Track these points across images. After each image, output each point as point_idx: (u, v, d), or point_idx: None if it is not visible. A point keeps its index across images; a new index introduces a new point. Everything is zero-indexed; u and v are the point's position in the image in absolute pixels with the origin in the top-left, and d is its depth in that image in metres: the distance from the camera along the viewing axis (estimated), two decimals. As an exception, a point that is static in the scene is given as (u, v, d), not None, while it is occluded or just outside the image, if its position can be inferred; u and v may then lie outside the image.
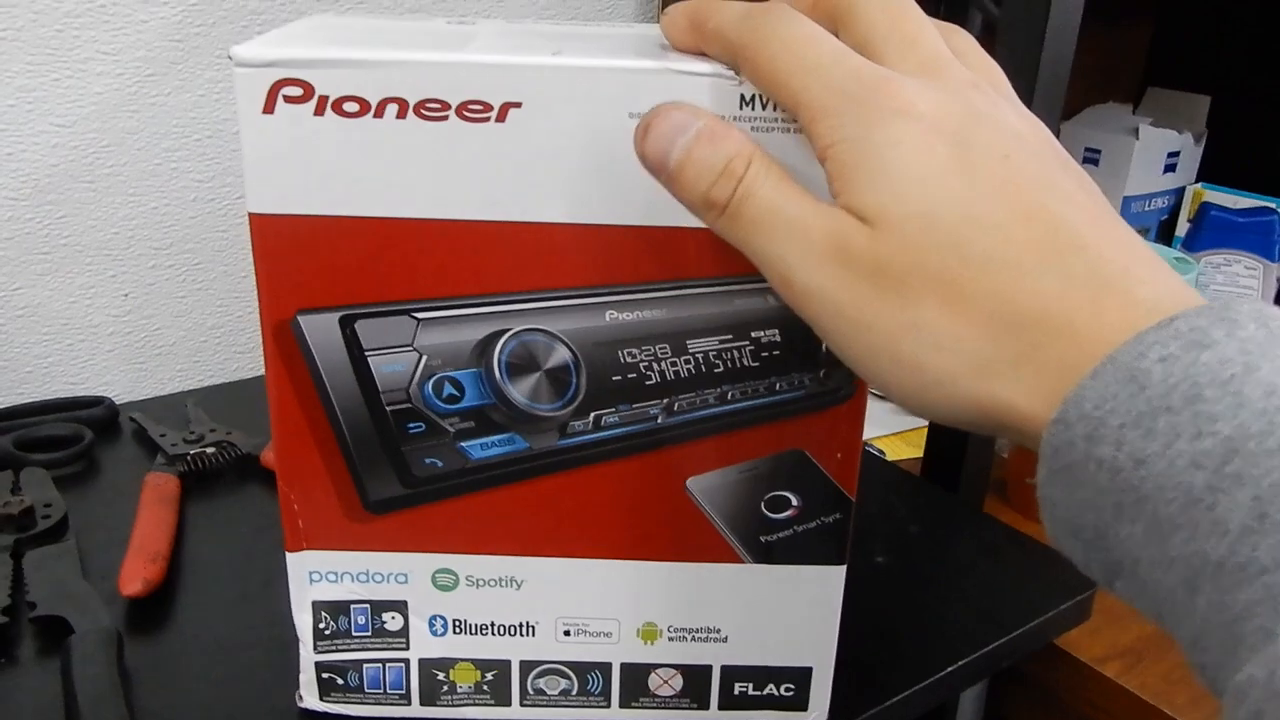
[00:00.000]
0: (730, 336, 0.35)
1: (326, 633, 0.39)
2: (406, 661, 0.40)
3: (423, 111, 0.32)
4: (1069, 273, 0.25)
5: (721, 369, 0.36)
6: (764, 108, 0.31)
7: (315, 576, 0.39)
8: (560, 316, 0.35)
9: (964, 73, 0.28)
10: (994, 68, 0.30)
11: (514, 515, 0.37)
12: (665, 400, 0.36)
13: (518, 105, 0.32)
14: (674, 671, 0.40)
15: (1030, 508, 0.72)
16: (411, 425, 0.36)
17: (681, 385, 0.36)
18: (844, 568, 0.39)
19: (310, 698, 0.41)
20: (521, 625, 0.39)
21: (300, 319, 0.35)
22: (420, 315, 0.35)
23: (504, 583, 0.39)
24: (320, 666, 0.40)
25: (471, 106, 0.32)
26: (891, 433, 0.81)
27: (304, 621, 0.39)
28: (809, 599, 0.39)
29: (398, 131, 0.32)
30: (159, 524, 0.53)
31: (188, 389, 0.74)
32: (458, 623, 0.39)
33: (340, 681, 0.40)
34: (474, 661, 0.40)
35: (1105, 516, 0.23)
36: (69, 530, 0.53)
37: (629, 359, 0.36)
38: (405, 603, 0.39)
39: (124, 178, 0.68)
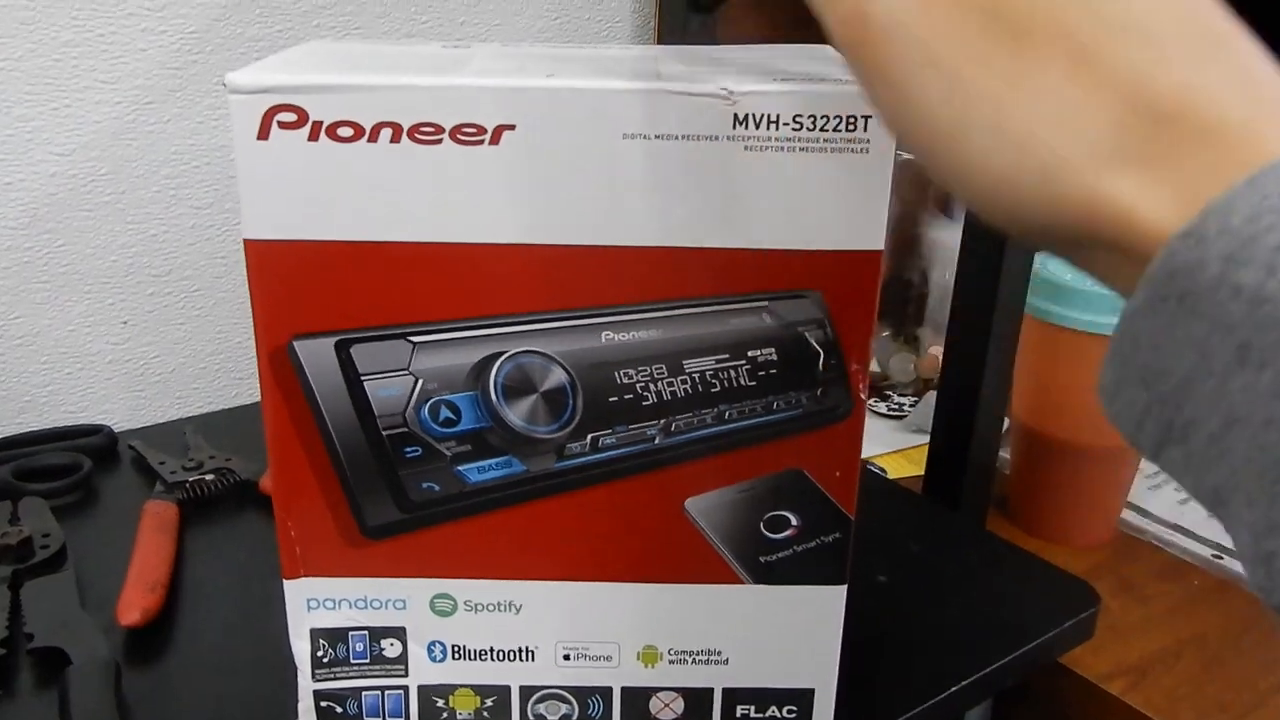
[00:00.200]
0: (727, 356, 0.35)
1: (325, 660, 0.39)
2: (406, 688, 0.40)
3: (417, 135, 0.32)
4: (1219, 64, 0.20)
5: (718, 389, 0.36)
6: (758, 127, 0.32)
7: (313, 603, 0.38)
8: (556, 338, 0.35)
9: None
10: None
11: (512, 538, 0.37)
12: (662, 421, 0.36)
13: (511, 127, 0.32)
14: (675, 695, 0.40)
15: (1034, 524, 0.72)
16: (408, 449, 0.36)
17: (679, 405, 0.36)
18: (844, 587, 0.39)
19: (309, 726, 0.40)
20: (521, 650, 0.39)
21: (296, 344, 0.35)
22: (416, 339, 0.35)
23: (503, 607, 0.38)
24: (319, 695, 0.40)
25: (465, 129, 0.32)
26: (892, 450, 0.81)
27: (302, 649, 0.39)
28: (810, 619, 0.39)
29: (392, 156, 0.32)
30: (157, 553, 0.53)
31: (187, 416, 0.74)
32: (456, 648, 0.39)
33: (339, 710, 0.40)
34: (473, 687, 0.40)
35: (1215, 362, 0.19)
36: (67, 560, 0.53)
37: (626, 380, 0.35)
38: (404, 629, 0.39)
39: (122, 205, 0.68)
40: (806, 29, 0.28)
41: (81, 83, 0.64)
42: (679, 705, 0.40)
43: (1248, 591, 0.63)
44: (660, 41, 0.84)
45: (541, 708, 0.40)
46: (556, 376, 0.35)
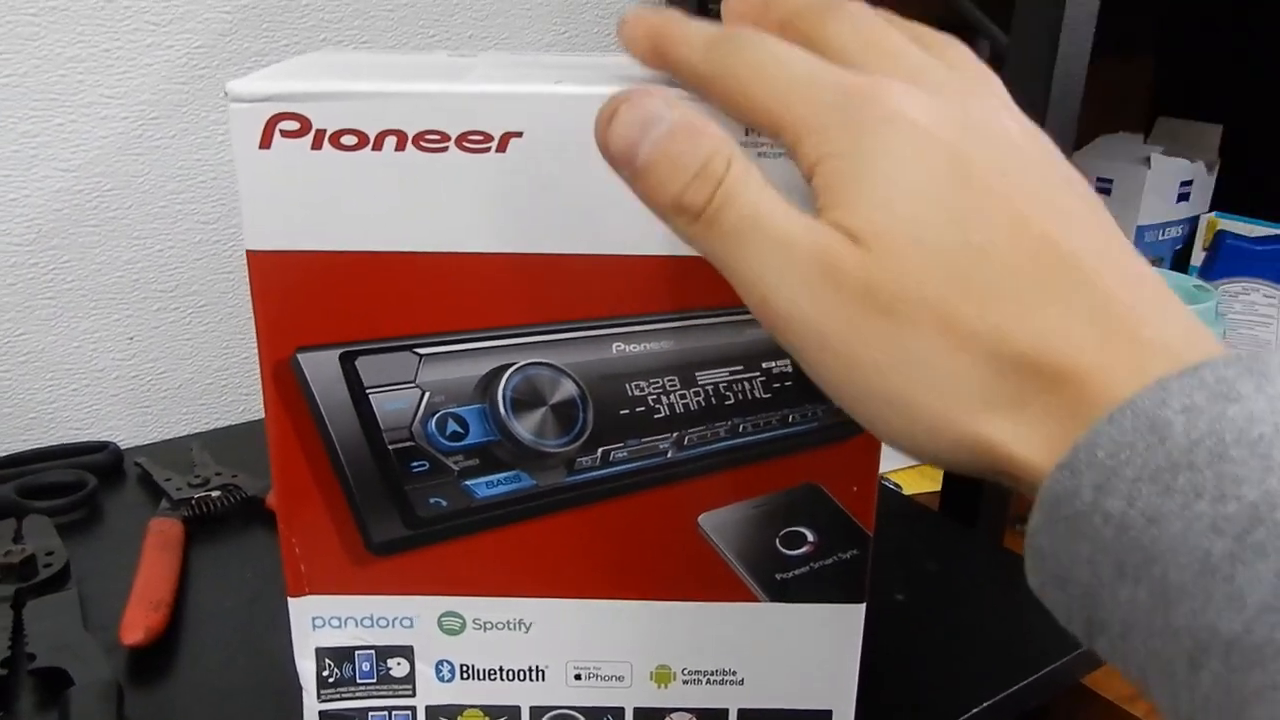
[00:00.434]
0: (741, 368, 0.35)
1: (330, 680, 0.38)
2: (413, 709, 0.39)
3: (422, 143, 0.31)
4: (1073, 308, 0.23)
5: (732, 401, 0.35)
6: (770, 132, 0.31)
7: (318, 622, 0.37)
8: (566, 349, 0.34)
9: (955, 76, 0.26)
10: (990, 77, 0.28)
11: (521, 555, 0.36)
12: (675, 434, 0.35)
13: (518, 135, 0.31)
14: (689, 716, 0.39)
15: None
16: (415, 464, 0.35)
17: (691, 419, 0.35)
18: (863, 606, 0.38)
19: (314, 748, 0.39)
20: (531, 669, 0.38)
21: (299, 357, 0.34)
22: (422, 351, 0.34)
23: (512, 625, 0.37)
24: (325, 716, 0.39)
25: (471, 137, 0.31)
26: (908, 465, 0.80)
27: (307, 669, 0.38)
28: (828, 639, 0.38)
29: (397, 164, 0.31)
30: (162, 571, 0.52)
31: (193, 432, 0.73)
32: (465, 667, 0.38)
33: (345, 731, 0.39)
34: (483, 708, 0.39)
35: (1102, 574, 0.21)
36: (71, 579, 0.52)
37: (637, 392, 0.35)
38: (411, 648, 0.38)
39: (128, 221, 0.67)
40: None
41: (86, 98, 0.64)
42: (693, 727, 0.39)
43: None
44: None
45: (552, 729, 0.39)
46: (566, 389, 0.34)
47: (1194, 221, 1.04)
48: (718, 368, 0.35)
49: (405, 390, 0.34)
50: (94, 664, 0.44)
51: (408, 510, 0.35)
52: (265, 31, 0.69)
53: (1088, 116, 0.66)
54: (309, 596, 0.37)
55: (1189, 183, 1.03)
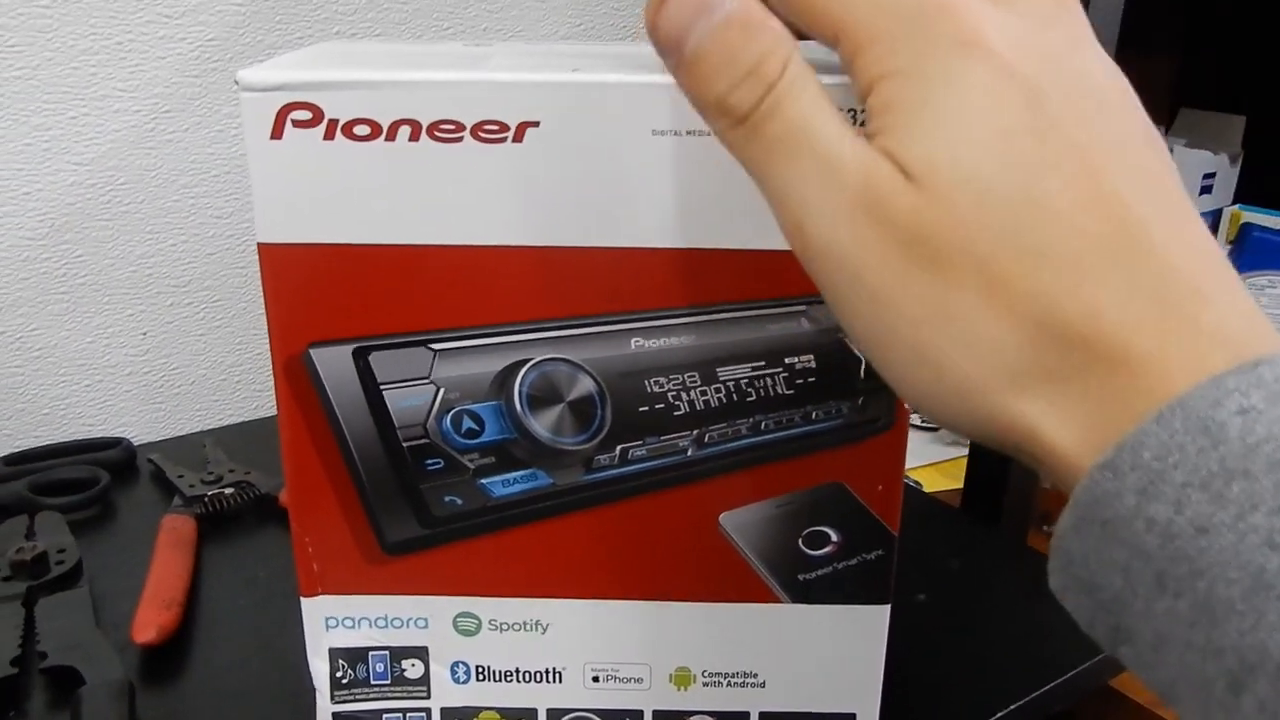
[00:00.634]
0: (763, 363, 0.34)
1: (344, 681, 0.38)
2: (428, 711, 0.38)
3: (436, 133, 0.31)
4: (1133, 282, 0.21)
5: (754, 398, 0.34)
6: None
7: (332, 622, 0.37)
8: (583, 345, 0.33)
9: (1038, 2, 0.23)
10: (1072, 3, 0.24)
11: (538, 555, 0.36)
12: (695, 432, 0.34)
13: (535, 124, 0.30)
14: (709, 719, 0.38)
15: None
16: (429, 462, 0.34)
17: (712, 416, 0.34)
18: (888, 607, 0.37)
19: (327, 750, 0.39)
20: (548, 671, 0.37)
21: (312, 352, 0.33)
22: (437, 346, 0.33)
23: (528, 626, 0.37)
24: (338, 717, 0.38)
25: (487, 127, 0.30)
26: (929, 463, 0.79)
27: (321, 670, 0.37)
28: (851, 641, 0.37)
29: (411, 154, 0.31)
30: (174, 569, 0.51)
31: (207, 428, 0.73)
32: (481, 669, 0.37)
33: (358, 733, 0.38)
34: (499, 710, 0.38)
35: (1140, 585, 0.20)
36: (83, 576, 0.52)
37: (656, 389, 0.34)
38: (426, 649, 0.37)
39: (141, 215, 0.67)
40: None
41: (99, 91, 0.63)
42: (713, 730, 0.38)
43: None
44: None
45: (569, 732, 0.38)
46: (584, 385, 0.34)
47: (1217, 214, 1.02)
48: (739, 363, 0.34)
49: (420, 386, 0.34)
50: (106, 663, 0.43)
51: (422, 509, 0.35)
52: (278, 24, 0.68)
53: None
54: (322, 596, 0.36)
55: (1212, 175, 1.02)
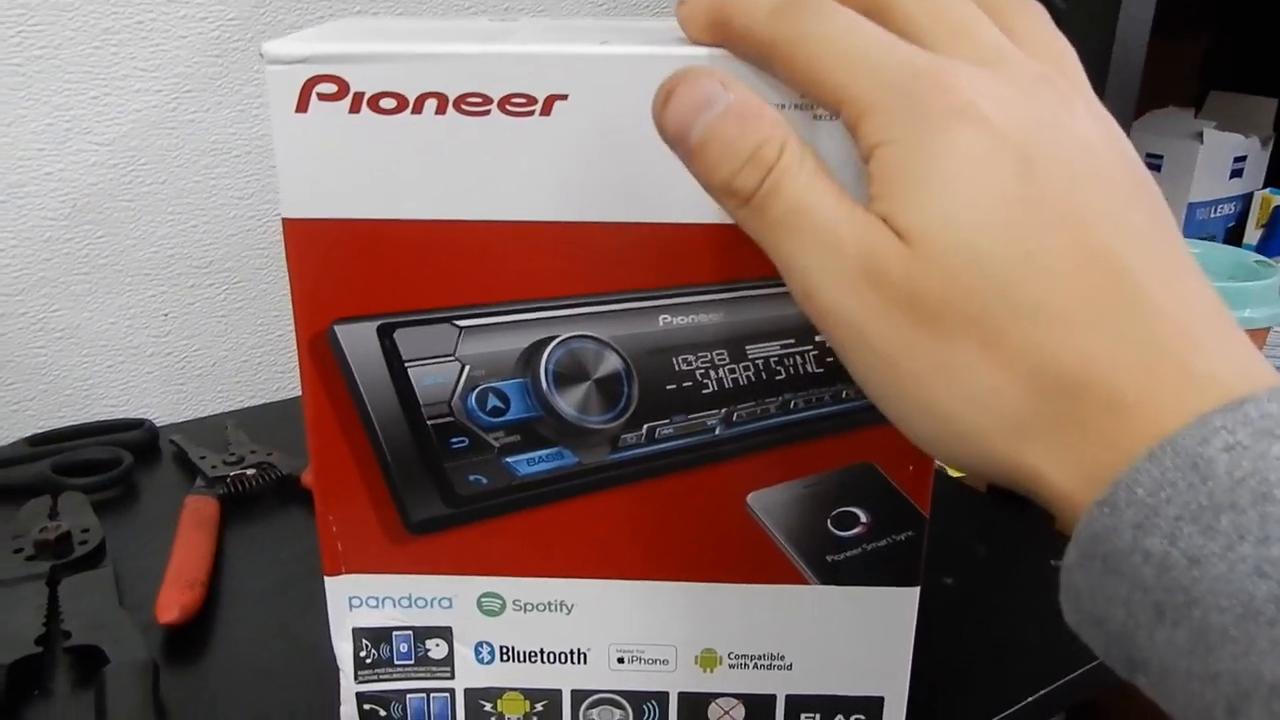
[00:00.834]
0: (793, 341, 0.33)
1: (368, 661, 0.37)
2: (452, 691, 0.38)
3: (463, 106, 0.30)
4: (1124, 332, 0.22)
5: (784, 376, 0.33)
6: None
7: (355, 601, 0.37)
8: (610, 322, 0.33)
9: (1031, 64, 0.25)
10: (1065, 52, 0.26)
11: (563, 535, 0.35)
12: (723, 410, 0.34)
13: (564, 97, 0.30)
14: (735, 701, 0.38)
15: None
16: (454, 440, 0.34)
17: (741, 394, 0.34)
18: (917, 589, 0.36)
19: (351, 730, 0.39)
20: (572, 652, 0.37)
21: (336, 329, 0.33)
22: (462, 323, 0.33)
23: (553, 607, 0.36)
24: (361, 697, 0.38)
25: (515, 100, 0.30)
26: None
27: (344, 650, 0.37)
28: (880, 623, 0.36)
29: (437, 128, 0.30)
30: (197, 549, 0.51)
31: (229, 410, 0.73)
32: (505, 650, 0.37)
33: (383, 713, 0.38)
34: (523, 691, 0.38)
35: (1141, 615, 0.21)
36: (106, 556, 0.52)
37: (684, 366, 0.33)
38: (449, 629, 0.37)
39: (163, 196, 0.67)
40: None
41: (120, 71, 0.63)
42: (739, 712, 0.38)
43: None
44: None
45: (594, 713, 0.38)
46: (611, 363, 0.33)
47: (1247, 198, 1.01)
48: (769, 341, 0.33)
49: (445, 364, 0.33)
50: (129, 642, 0.43)
51: (447, 488, 0.34)
52: (299, 3, 0.68)
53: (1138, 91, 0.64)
54: (346, 576, 0.36)
55: (1242, 158, 1.00)
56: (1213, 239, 1.01)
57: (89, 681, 0.41)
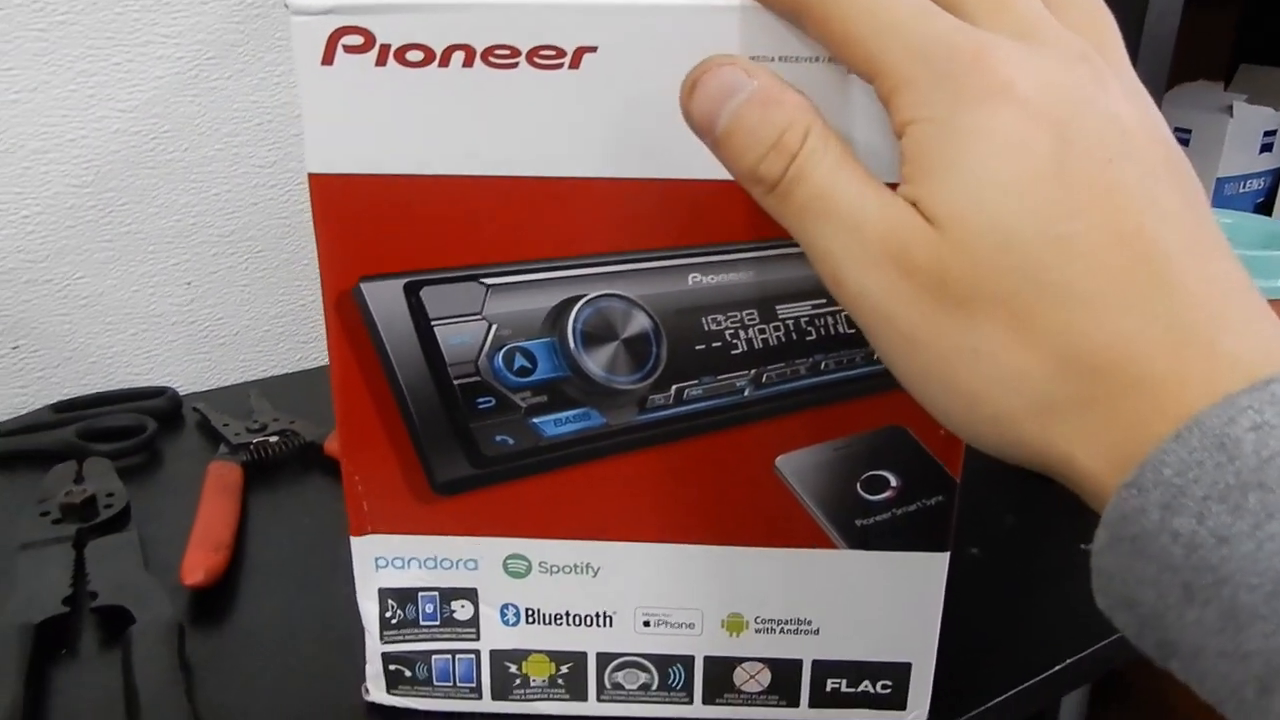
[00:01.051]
0: (824, 301, 0.33)
1: (393, 622, 0.37)
2: (477, 653, 0.38)
3: (491, 59, 0.30)
4: (1152, 312, 0.22)
5: (814, 337, 0.33)
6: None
7: (381, 562, 0.36)
8: (639, 281, 0.32)
9: (1069, 38, 0.24)
10: (1106, 25, 0.26)
11: (590, 496, 0.35)
12: (753, 371, 0.33)
13: (593, 50, 0.29)
14: (761, 666, 0.38)
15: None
16: (481, 400, 0.34)
17: (771, 355, 0.33)
18: (947, 555, 0.36)
19: (377, 691, 0.39)
20: (598, 615, 0.37)
21: (363, 286, 0.33)
22: (489, 281, 0.32)
23: (579, 569, 0.36)
24: (387, 657, 0.38)
25: (543, 52, 0.30)
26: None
27: (370, 610, 0.37)
28: (908, 588, 0.36)
29: (464, 81, 0.30)
30: (221, 514, 0.52)
31: (251, 379, 0.73)
32: (530, 612, 0.37)
33: (408, 673, 0.38)
34: (548, 653, 0.38)
35: (1170, 596, 0.21)
36: (131, 520, 0.52)
37: (714, 326, 0.33)
38: (475, 590, 0.37)
39: (185, 164, 0.67)
40: None
41: (143, 37, 0.63)
42: (765, 677, 0.38)
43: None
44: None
45: (619, 676, 0.38)
46: (639, 322, 0.33)
47: (1277, 173, 1.00)
48: (800, 301, 0.33)
49: (471, 322, 0.33)
50: (155, 603, 0.43)
51: (473, 448, 0.34)
52: (321, -30, 0.67)
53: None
54: (372, 536, 0.36)
55: (1272, 132, 0.99)
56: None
57: (115, 641, 0.42)
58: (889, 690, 0.38)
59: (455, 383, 0.33)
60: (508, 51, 0.30)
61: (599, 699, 0.38)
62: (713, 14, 0.29)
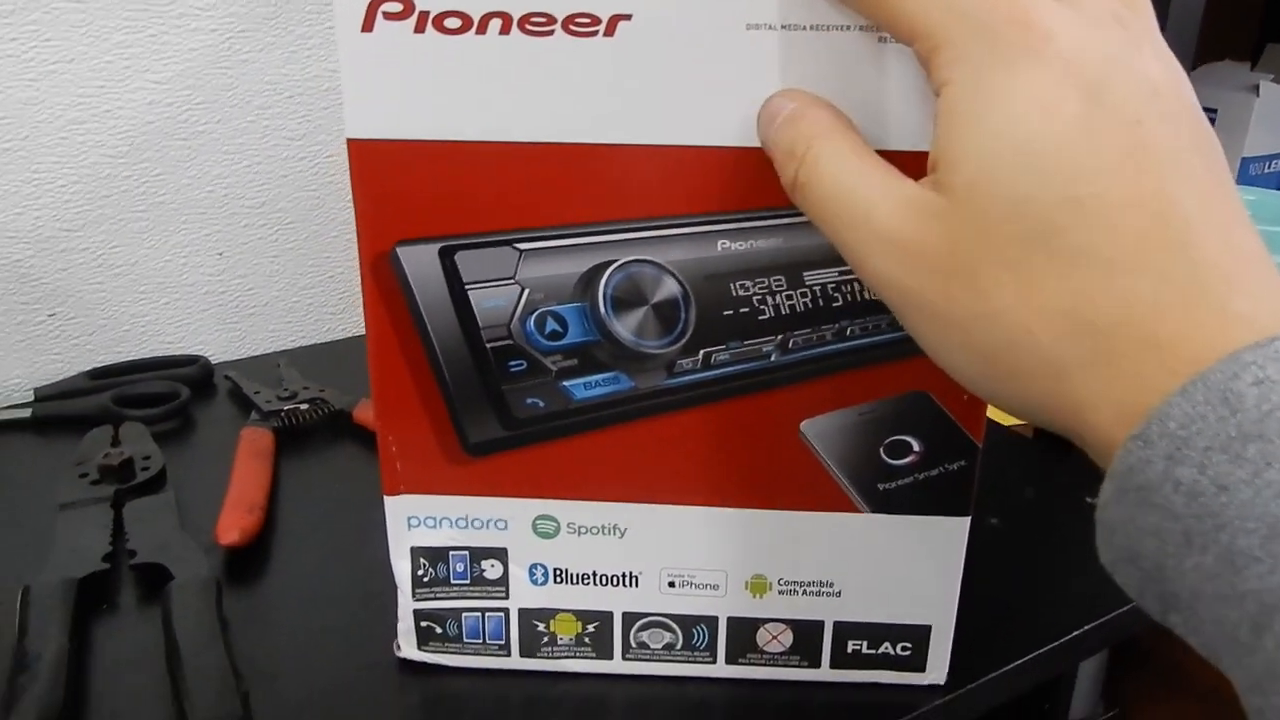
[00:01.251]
0: (850, 267, 0.33)
1: (425, 580, 0.38)
2: (506, 611, 0.39)
3: (527, 26, 0.30)
4: (1166, 274, 0.23)
5: (840, 303, 0.34)
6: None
7: (414, 521, 0.37)
8: (669, 246, 0.33)
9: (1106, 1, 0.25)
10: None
11: (618, 459, 0.36)
12: (780, 337, 0.34)
13: (627, 17, 0.30)
14: (784, 627, 0.38)
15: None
16: (512, 363, 0.34)
17: (797, 320, 0.34)
18: (968, 519, 0.36)
19: (408, 647, 0.40)
20: (624, 575, 0.38)
21: (399, 250, 0.33)
22: (523, 246, 0.33)
23: (606, 530, 0.37)
24: (419, 615, 0.39)
25: (579, 19, 0.30)
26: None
27: (402, 569, 0.38)
28: (930, 552, 0.37)
29: (501, 48, 0.31)
30: (255, 476, 0.53)
31: (280, 349, 0.74)
32: (559, 572, 0.38)
33: (439, 631, 0.39)
34: (575, 612, 0.39)
35: (1171, 544, 0.22)
36: (167, 482, 0.53)
37: (742, 292, 0.34)
38: (505, 550, 0.38)
39: (217, 136, 0.68)
40: None
41: (177, 9, 0.64)
42: (787, 638, 0.39)
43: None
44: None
45: (644, 635, 0.39)
46: (668, 288, 0.34)
47: (1305, 153, 0.99)
48: (827, 267, 0.33)
49: (505, 287, 0.34)
50: (192, 561, 0.45)
51: (505, 411, 0.35)
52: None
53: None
54: (405, 496, 0.37)
55: (1301, 112, 0.98)
56: (1268, 194, 0.99)
57: (154, 597, 0.43)
58: (909, 652, 0.38)
59: (488, 346, 0.34)
60: (544, 19, 0.30)
61: (624, 658, 0.39)
62: (744, -19, 0.29)
